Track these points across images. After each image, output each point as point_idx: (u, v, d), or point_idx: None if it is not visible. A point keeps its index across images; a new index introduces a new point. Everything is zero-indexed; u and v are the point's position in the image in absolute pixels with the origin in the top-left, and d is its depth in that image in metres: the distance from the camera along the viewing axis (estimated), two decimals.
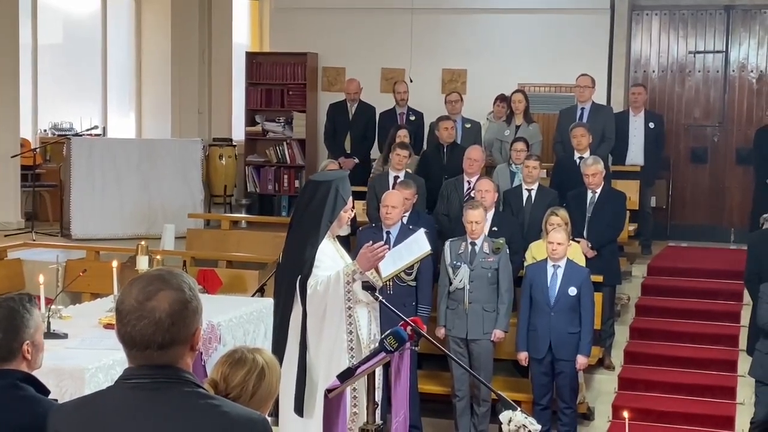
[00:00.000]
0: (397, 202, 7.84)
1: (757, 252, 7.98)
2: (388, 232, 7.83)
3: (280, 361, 5.21)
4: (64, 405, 2.71)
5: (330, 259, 5.57)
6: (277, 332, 5.65)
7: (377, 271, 5.59)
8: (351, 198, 5.72)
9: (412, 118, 11.45)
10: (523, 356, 7.79)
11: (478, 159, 9.29)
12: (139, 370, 2.54)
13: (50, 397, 3.36)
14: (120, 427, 2.50)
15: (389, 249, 5.81)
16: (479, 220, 7.79)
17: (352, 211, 5.79)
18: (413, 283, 7.87)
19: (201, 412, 2.50)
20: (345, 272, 5.45)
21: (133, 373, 2.55)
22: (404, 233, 7.47)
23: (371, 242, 5.53)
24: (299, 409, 5.43)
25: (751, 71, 12.36)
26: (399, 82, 11.78)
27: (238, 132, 14.01)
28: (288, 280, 5.56)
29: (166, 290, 2.51)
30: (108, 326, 5.73)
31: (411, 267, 7.51)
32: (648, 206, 11.06)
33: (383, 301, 5.41)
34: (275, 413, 5.47)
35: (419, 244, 6.01)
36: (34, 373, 3.39)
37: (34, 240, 10.37)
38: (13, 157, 10.99)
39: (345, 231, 5.87)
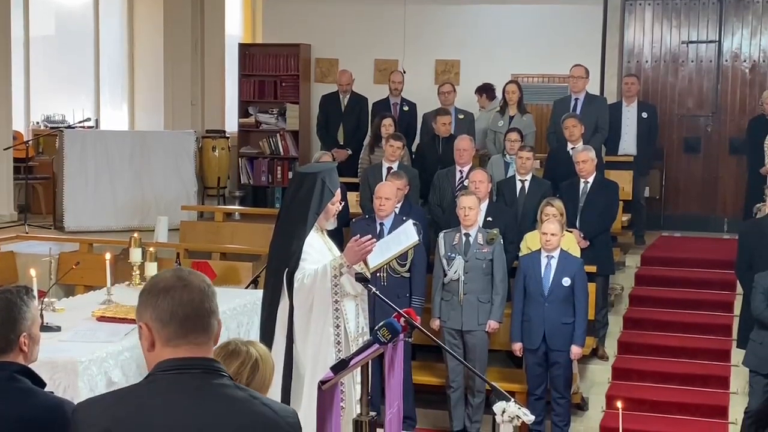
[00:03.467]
0: (390, 194, 7.83)
1: (748, 241, 7.99)
2: (381, 224, 7.83)
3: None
4: (94, 399, 2.67)
5: (317, 252, 5.56)
6: (264, 325, 5.66)
7: (365, 262, 5.58)
8: (339, 190, 5.71)
9: (406, 108, 11.46)
10: (517, 347, 7.80)
11: (467, 148, 9.31)
12: (178, 361, 2.56)
13: (45, 389, 3.36)
14: (166, 419, 2.50)
15: (380, 240, 5.82)
16: (472, 205, 7.79)
17: (340, 203, 5.77)
18: (407, 275, 7.87)
19: (242, 403, 2.54)
20: (332, 266, 5.44)
21: (169, 365, 2.56)
22: (398, 224, 7.45)
23: (359, 236, 5.52)
24: (285, 402, 5.43)
25: (744, 61, 12.37)
26: (394, 72, 11.78)
27: (232, 124, 13.99)
28: (275, 273, 5.56)
29: (194, 272, 2.66)
30: (101, 319, 5.73)
31: (405, 258, 7.53)
32: (641, 196, 11.07)
33: (377, 292, 5.40)
34: None
35: (407, 235, 6.02)
36: (30, 365, 3.39)
37: (27, 233, 10.36)
38: (5, 149, 10.96)
39: (332, 225, 5.84)
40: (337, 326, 5.49)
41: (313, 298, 5.46)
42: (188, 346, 2.57)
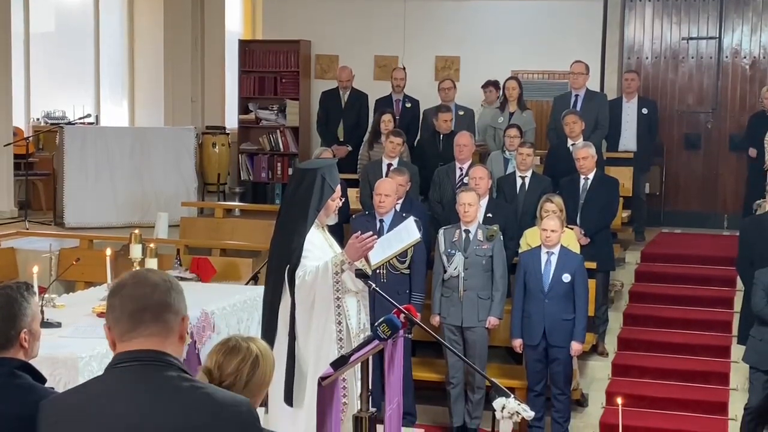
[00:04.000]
0: (390, 190, 7.83)
1: (749, 238, 8.00)
2: (381, 220, 7.83)
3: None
4: (56, 396, 2.76)
5: (318, 248, 5.55)
6: (265, 322, 5.65)
7: (366, 259, 5.58)
8: (339, 186, 5.70)
9: (408, 105, 11.45)
10: (517, 343, 7.80)
11: (467, 144, 9.31)
12: (127, 354, 2.62)
13: (46, 385, 3.36)
14: (108, 412, 2.56)
15: (381, 237, 5.81)
16: (472, 202, 7.79)
17: (340, 200, 5.76)
18: (407, 271, 7.87)
19: (187, 394, 2.57)
20: (333, 263, 5.42)
21: (122, 357, 2.62)
22: (397, 221, 7.44)
23: (360, 232, 5.51)
24: (288, 399, 5.44)
25: (744, 57, 12.36)
26: (397, 69, 11.78)
27: (232, 120, 13.99)
28: (276, 270, 5.55)
29: (155, 270, 2.75)
30: (101, 315, 5.72)
31: (404, 255, 7.53)
32: (641, 193, 11.07)
33: (377, 288, 5.40)
34: (265, 403, 5.47)
35: (408, 232, 5.99)
36: (30, 361, 3.39)
37: (27, 229, 10.36)
38: (5, 145, 10.97)
39: (332, 220, 5.84)
40: (339, 323, 5.48)
41: (315, 295, 5.45)
42: (139, 339, 2.62)
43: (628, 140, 11.05)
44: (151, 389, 2.56)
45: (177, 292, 2.69)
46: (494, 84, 11.56)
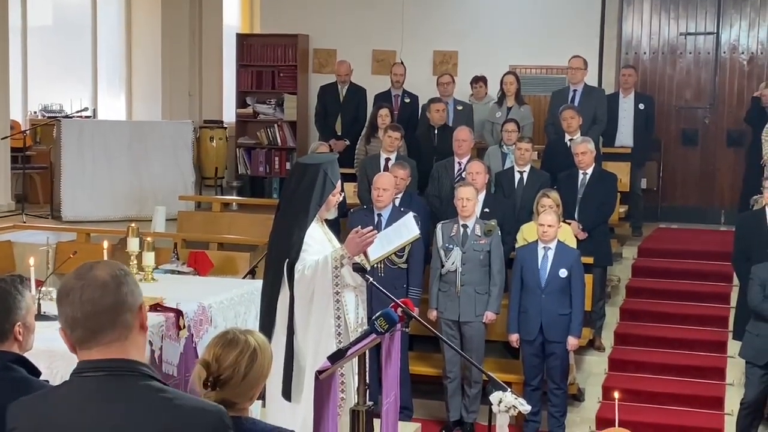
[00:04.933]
0: (388, 185, 7.83)
1: (745, 233, 8.02)
2: (379, 215, 7.83)
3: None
4: (22, 399, 2.66)
5: (318, 243, 5.56)
6: (264, 315, 5.66)
7: (365, 254, 5.59)
8: (340, 182, 5.72)
9: (407, 100, 11.45)
10: (514, 338, 7.82)
11: (466, 139, 9.30)
12: (92, 362, 2.51)
13: (41, 378, 3.36)
14: (72, 421, 2.48)
15: (380, 232, 5.82)
16: (470, 196, 7.79)
17: (340, 194, 5.77)
18: (404, 266, 7.88)
19: (154, 403, 2.48)
20: (333, 257, 5.44)
21: (86, 366, 2.51)
22: (395, 215, 7.47)
23: (360, 227, 5.52)
24: (287, 393, 5.45)
25: (742, 53, 12.36)
26: (396, 65, 11.78)
27: (229, 114, 13.98)
28: (275, 264, 5.56)
29: (99, 264, 2.54)
30: None
31: (402, 250, 7.52)
32: (638, 188, 11.08)
33: (374, 282, 5.40)
34: (262, 397, 5.48)
35: (408, 228, 6.00)
36: (26, 354, 3.39)
37: (24, 222, 10.35)
38: (3, 139, 10.94)
39: (332, 215, 5.88)
40: (338, 317, 5.50)
41: (314, 290, 5.46)
42: (99, 347, 2.50)
43: (625, 136, 11.05)
44: (119, 400, 2.47)
45: (128, 284, 2.53)
46: (483, 79, 11.56)
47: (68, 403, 2.51)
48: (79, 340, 2.52)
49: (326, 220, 5.86)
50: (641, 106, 11.08)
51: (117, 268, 2.56)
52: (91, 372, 2.50)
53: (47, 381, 3.41)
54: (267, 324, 5.57)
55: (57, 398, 2.58)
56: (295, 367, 5.47)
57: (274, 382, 5.33)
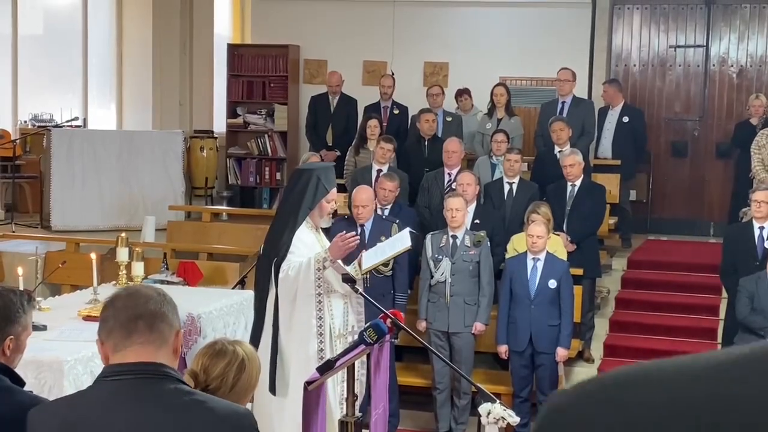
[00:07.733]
0: (367, 201, 7.67)
1: (733, 245, 8.03)
2: (362, 225, 7.82)
3: (259, 340, 5.50)
4: (46, 405, 2.68)
5: (307, 247, 5.71)
6: (256, 313, 5.87)
7: (359, 263, 5.75)
8: (335, 189, 5.85)
9: (396, 112, 11.46)
10: (503, 349, 7.82)
11: (456, 150, 9.31)
12: (120, 366, 2.54)
13: (26, 388, 3.35)
14: (103, 425, 2.49)
15: (364, 241, 5.91)
16: (459, 207, 7.79)
17: (335, 202, 5.89)
18: (389, 273, 7.88)
19: (186, 408, 2.50)
20: (316, 259, 5.60)
21: (114, 369, 2.55)
22: (378, 225, 7.57)
23: (344, 232, 5.69)
24: (272, 388, 5.62)
25: (732, 66, 12.42)
26: (385, 76, 11.79)
27: (220, 124, 13.97)
28: (266, 263, 5.75)
29: (146, 285, 2.75)
30: (87, 318, 5.72)
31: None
32: (626, 200, 11.09)
33: (363, 293, 5.47)
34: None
35: (402, 241, 6.17)
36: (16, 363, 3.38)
37: (13, 231, 10.33)
38: None
39: (326, 223, 5.99)
40: (320, 318, 5.70)
41: (297, 289, 5.64)
42: (133, 347, 2.56)
43: (605, 148, 11.12)
44: (149, 402, 2.50)
45: (171, 306, 2.64)
46: (467, 92, 11.60)
47: (96, 407, 2.54)
48: (115, 343, 2.57)
49: (325, 230, 6.01)
50: (625, 119, 11.10)
51: (163, 291, 2.70)
52: (120, 375, 2.54)
53: (31, 391, 3.39)
54: (258, 321, 5.79)
55: (84, 400, 2.61)
56: (279, 363, 5.64)
57: (260, 378, 5.47)
